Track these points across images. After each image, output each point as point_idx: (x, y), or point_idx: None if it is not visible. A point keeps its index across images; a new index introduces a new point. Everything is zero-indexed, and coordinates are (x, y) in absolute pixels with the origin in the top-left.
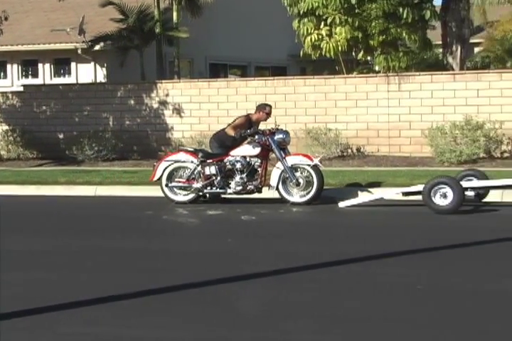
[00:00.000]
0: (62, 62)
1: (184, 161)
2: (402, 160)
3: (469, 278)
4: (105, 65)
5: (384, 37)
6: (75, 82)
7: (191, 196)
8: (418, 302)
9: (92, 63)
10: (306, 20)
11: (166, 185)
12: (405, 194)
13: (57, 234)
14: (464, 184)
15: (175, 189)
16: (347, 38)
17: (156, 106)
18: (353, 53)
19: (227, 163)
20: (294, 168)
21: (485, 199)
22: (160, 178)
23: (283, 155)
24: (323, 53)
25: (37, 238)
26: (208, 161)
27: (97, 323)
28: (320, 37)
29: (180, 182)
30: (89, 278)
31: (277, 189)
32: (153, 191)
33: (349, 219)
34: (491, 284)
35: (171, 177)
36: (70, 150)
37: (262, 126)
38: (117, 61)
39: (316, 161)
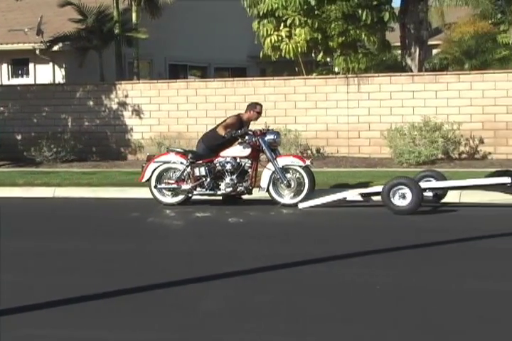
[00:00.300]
0: (20, 62)
1: (174, 162)
2: (361, 161)
3: (429, 278)
4: (64, 65)
5: (343, 38)
6: (33, 82)
7: (180, 197)
8: (382, 302)
9: (51, 64)
10: (265, 21)
11: (155, 187)
12: (364, 195)
13: (28, 236)
14: (423, 185)
15: (164, 190)
16: (306, 40)
17: (115, 107)
18: (313, 54)
19: (217, 164)
20: (284, 169)
21: (443, 200)
22: (149, 179)
23: (274, 156)
24: (283, 54)
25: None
26: (198, 162)
27: (57, 325)
28: (279, 38)
29: (169, 183)
30: (53, 280)
31: (268, 190)
32: (113, 192)
33: (313, 219)
34: (450, 284)
35: (160, 178)
36: (28, 151)
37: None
38: (76, 62)
39: (308, 162)
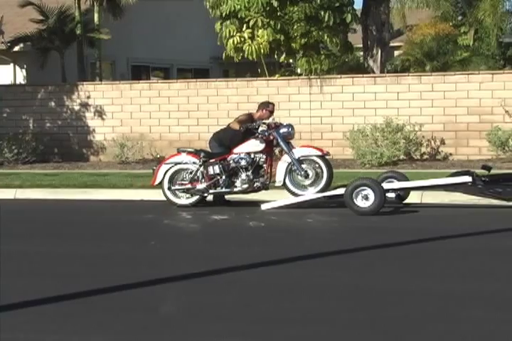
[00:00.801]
0: None
1: (186, 163)
2: None
3: (390, 278)
4: (25, 66)
5: (306, 40)
6: None
7: (195, 198)
8: (339, 303)
9: (12, 64)
10: (228, 22)
11: (169, 188)
12: (328, 196)
13: None
14: (385, 186)
15: (177, 192)
16: (269, 41)
17: (77, 108)
18: (275, 56)
19: (231, 161)
20: (301, 161)
21: (405, 201)
22: (161, 182)
23: (290, 148)
24: (246, 56)
25: None
26: (211, 161)
27: (15, 329)
28: (242, 39)
29: (183, 184)
30: (11, 283)
31: (284, 183)
32: (76, 194)
33: (280, 221)
34: (412, 284)
35: (172, 180)
36: None
37: None
38: (37, 62)
39: (325, 152)
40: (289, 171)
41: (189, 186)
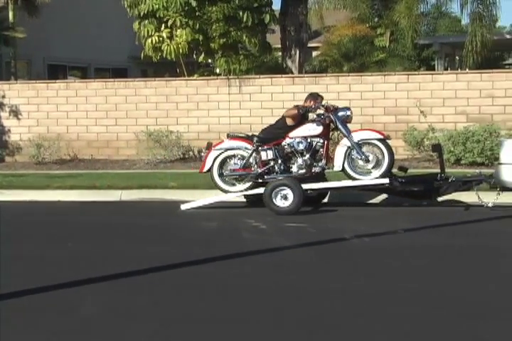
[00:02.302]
0: None
1: (237, 148)
2: None
3: (310, 277)
4: None
5: (224, 40)
6: None
7: (247, 185)
8: (261, 302)
9: None
10: (146, 22)
11: (220, 175)
12: (248, 196)
13: None
14: (304, 186)
15: (228, 179)
16: (188, 41)
17: None
18: (194, 56)
19: (286, 146)
20: (360, 144)
21: (324, 200)
22: (210, 169)
23: (349, 132)
24: (164, 55)
25: None
26: (265, 146)
27: None
28: (161, 39)
29: (235, 170)
30: None
31: (343, 168)
32: None
33: (198, 221)
34: (330, 283)
35: (222, 166)
36: None
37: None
38: None
39: (386, 135)
40: (348, 156)
41: (242, 172)
